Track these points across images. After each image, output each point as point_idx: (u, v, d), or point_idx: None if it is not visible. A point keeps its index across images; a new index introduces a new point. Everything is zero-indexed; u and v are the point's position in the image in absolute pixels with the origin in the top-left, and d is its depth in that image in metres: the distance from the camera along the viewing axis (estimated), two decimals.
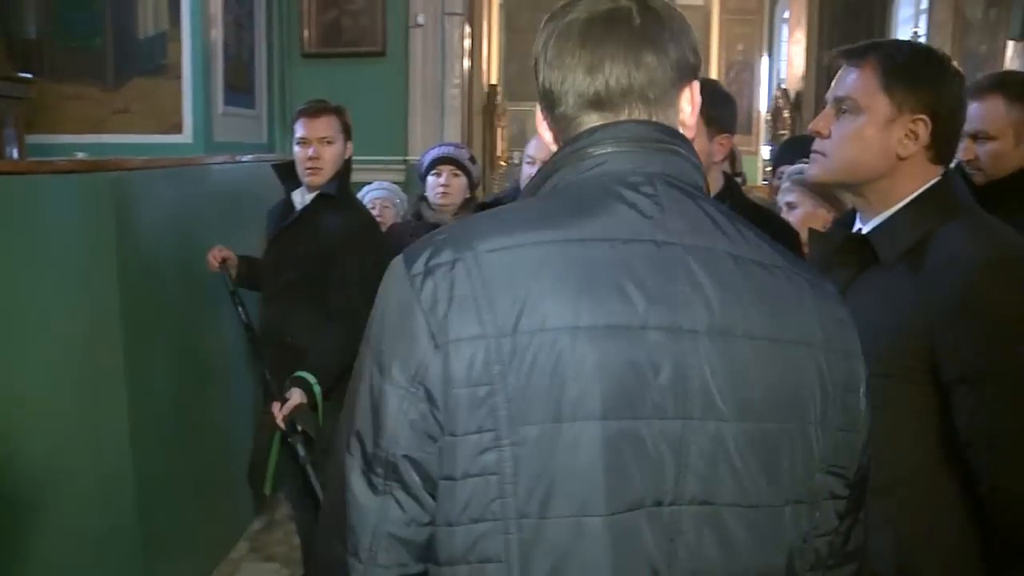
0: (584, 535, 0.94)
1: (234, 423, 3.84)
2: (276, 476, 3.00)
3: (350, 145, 3.06)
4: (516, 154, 15.22)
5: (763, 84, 14.50)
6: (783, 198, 2.75)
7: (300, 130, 2.96)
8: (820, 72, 10.08)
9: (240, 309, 2.98)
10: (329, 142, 2.94)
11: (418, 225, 3.41)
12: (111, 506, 2.96)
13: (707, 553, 0.97)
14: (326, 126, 2.95)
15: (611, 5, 1.07)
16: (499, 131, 12.00)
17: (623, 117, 1.07)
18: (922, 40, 11.38)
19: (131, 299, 2.92)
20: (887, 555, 1.53)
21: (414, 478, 0.97)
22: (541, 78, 1.10)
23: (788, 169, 2.85)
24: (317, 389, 2.77)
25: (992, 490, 1.47)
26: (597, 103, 1.07)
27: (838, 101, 1.63)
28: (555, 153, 1.09)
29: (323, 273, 2.89)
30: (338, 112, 3.01)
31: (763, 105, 14.42)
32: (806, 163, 1.89)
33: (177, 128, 4.64)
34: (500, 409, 0.93)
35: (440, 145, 3.58)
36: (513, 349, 0.93)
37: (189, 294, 3.46)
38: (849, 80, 1.62)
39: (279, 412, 2.76)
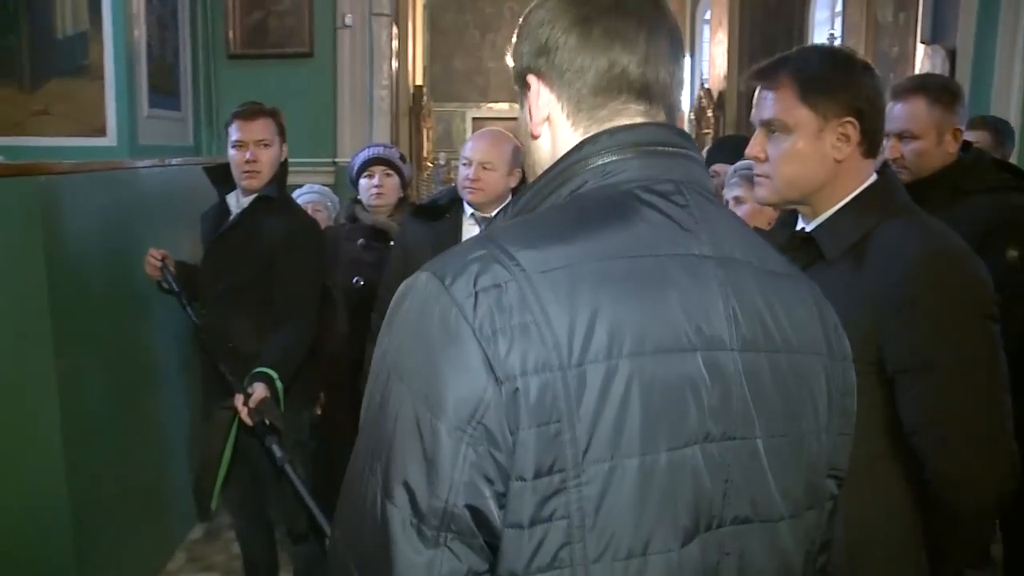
0: (649, 570, 0.91)
1: (170, 429, 3.78)
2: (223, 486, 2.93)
3: (285, 147, 3.03)
4: (442, 155, 15.22)
5: (686, 84, 14.73)
6: (729, 193, 2.81)
7: (235, 133, 2.92)
8: (742, 72, 10.31)
9: (188, 310, 2.90)
10: (266, 145, 2.91)
11: (353, 228, 3.42)
12: (43, 518, 2.90)
13: (747, 571, 0.97)
14: (262, 129, 2.92)
15: None
16: (425, 132, 12.00)
17: (656, 115, 1.03)
18: (838, 42, 11.75)
19: (61, 305, 2.86)
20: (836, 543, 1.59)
21: (473, 528, 0.88)
22: (563, 52, 1.02)
23: (736, 164, 2.92)
24: (280, 384, 2.72)
25: (936, 475, 1.54)
26: (644, 93, 1.02)
27: (765, 124, 1.69)
28: (570, 156, 1.01)
29: (266, 276, 2.87)
30: (273, 114, 2.98)
31: (686, 105, 14.67)
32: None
33: (100, 131, 4.52)
34: (568, 447, 0.87)
35: (369, 147, 3.57)
36: (580, 381, 0.87)
37: (121, 300, 3.40)
38: (769, 102, 1.67)
39: (244, 405, 2.67)
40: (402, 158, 3.48)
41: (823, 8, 11.92)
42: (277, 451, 2.54)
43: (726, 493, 0.95)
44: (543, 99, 1.05)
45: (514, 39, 1.10)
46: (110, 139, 4.52)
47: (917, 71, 6.13)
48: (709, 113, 11.26)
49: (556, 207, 0.99)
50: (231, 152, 2.93)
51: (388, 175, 3.37)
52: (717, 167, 3.48)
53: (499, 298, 0.88)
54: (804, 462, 1.01)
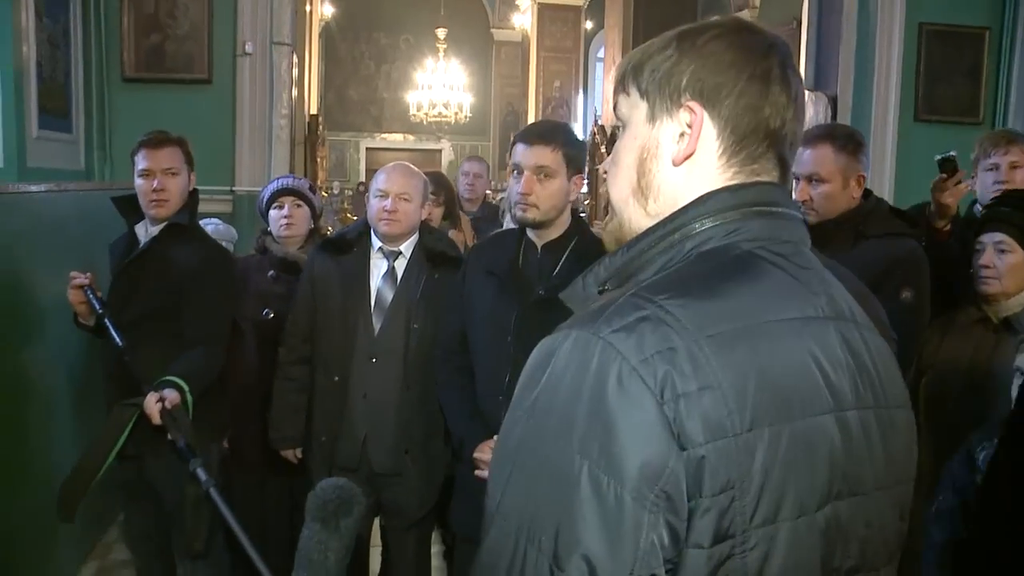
0: None
1: (59, 461, 3.61)
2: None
3: (194, 176, 3.00)
4: (336, 184, 15.10)
5: (579, 120, 15.06)
6: None
7: (142, 162, 2.87)
8: None
9: (113, 331, 2.76)
10: (174, 173, 2.88)
11: (263, 259, 3.37)
12: None
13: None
14: (170, 157, 2.88)
15: (769, 37, 1.06)
16: (319, 161, 11.87)
17: (782, 172, 1.06)
18: None
19: None
20: None
21: None
22: (733, 99, 1.01)
23: None
24: (190, 398, 2.67)
25: None
26: (781, 148, 1.05)
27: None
28: (688, 211, 1.02)
29: (175, 305, 2.82)
30: (180, 143, 2.95)
31: None
32: None
33: None
34: (738, 514, 0.88)
35: (279, 178, 3.54)
36: (750, 446, 0.88)
37: (13, 328, 3.26)
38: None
39: (156, 403, 2.59)
40: (312, 189, 3.46)
41: None
42: (202, 474, 2.49)
43: (846, 549, 0.99)
44: (705, 133, 1.03)
45: (664, 53, 1.06)
46: None
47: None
48: (603, 149, 11.53)
49: (689, 264, 0.99)
50: (138, 181, 2.88)
51: (298, 206, 3.34)
52: None
53: (674, 361, 0.87)
54: (898, 512, 1.07)
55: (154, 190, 2.84)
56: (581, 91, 15.15)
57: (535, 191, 2.44)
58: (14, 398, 3.26)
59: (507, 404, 2.45)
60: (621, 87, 1.11)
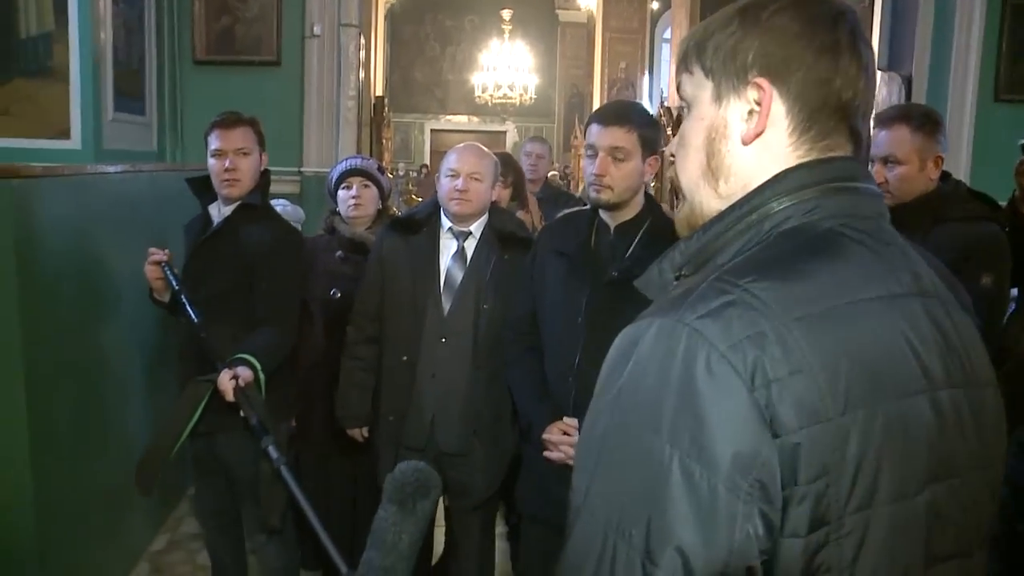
0: None
1: (136, 437, 3.71)
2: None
3: (266, 156, 3.02)
4: (401, 165, 15.19)
5: (644, 102, 14.90)
6: None
7: (215, 142, 2.90)
8: None
9: (190, 308, 2.79)
10: (245, 153, 2.91)
11: (331, 239, 3.40)
12: (6, 527, 2.83)
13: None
14: (242, 137, 2.91)
15: (836, 5, 1.02)
16: (385, 143, 11.95)
17: (856, 144, 1.03)
18: None
19: (30, 310, 2.80)
20: None
21: None
22: (804, 72, 0.98)
23: None
24: (262, 376, 2.70)
25: None
26: (855, 120, 1.02)
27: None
28: (764, 190, 0.99)
29: (247, 284, 2.86)
30: (252, 123, 2.98)
31: None
32: None
33: (65, 133, 4.44)
34: (833, 500, 0.86)
35: (348, 158, 3.56)
36: (843, 430, 0.86)
37: (90, 307, 3.34)
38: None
39: (230, 380, 2.63)
40: (380, 170, 3.47)
41: None
42: (273, 452, 2.51)
43: (944, 534, 0.96)
44: (774, 110, 1.00)
45: (727, 30, 1.02)
46: (74, 142, 4.44)
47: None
48: (668, 131, 11.39)
49: (770, 245, 0.96)
50: (211, 161, 2.92)
51: (366, 186, 3.36)
52: None
53: (764, 345, 0.85)
54: (990, 494, 1.03)
55: (226, 170, 2.87)
56: (647, 72, 14.98)
57: (610, 172, 2.41)
58: (90, 373, 3.35)
59: (577, 386, 2.46)
60: (684, 66, 1.08)
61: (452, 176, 2.86)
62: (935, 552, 0.95)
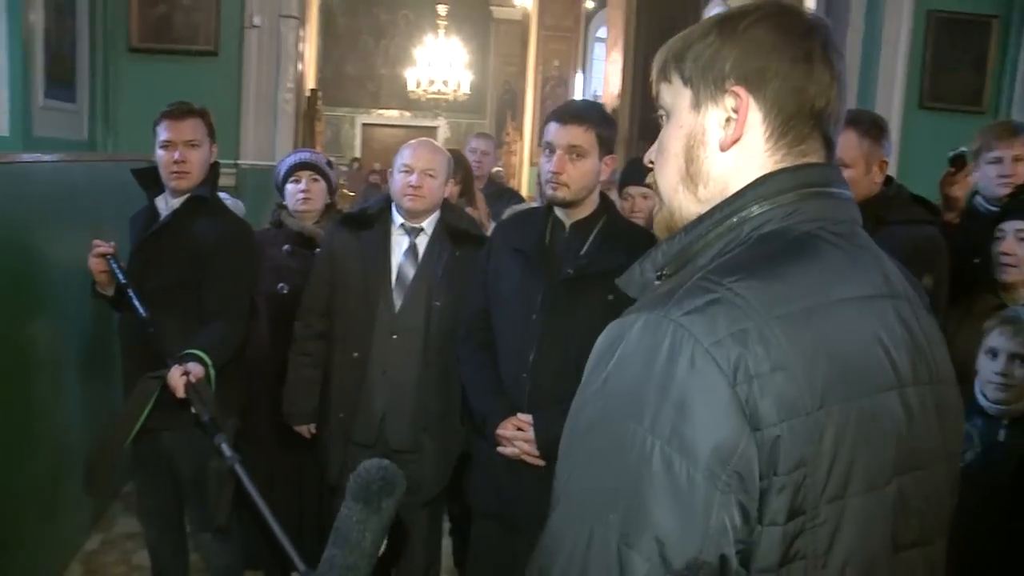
0: None
1: (69, 433, 3.61)
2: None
3: (215, 148, 2.97)
4: (332, 159, 15.00)
5: (577, 99, 15.02)
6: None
7: (164, 133, 2.84)
8: (635, 90, 10.60)
9: (136, 302, 2.73)
10: (195, 145, 2.85)
11: (278, 233, 3.36)
12: None
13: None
14: (192, 129, 2.85)
15: (809, 18, 1.06)
16: (317, 136, 11.82)
17: (829, 151, 1.07)
18: None
19: None
20: None
21: None
22: (779, 82, 1.02)
23: None
24: (213, 371, 2.66)
25: None
26: (826, 128, 1.05)
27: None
28: (745, 193, 1.03)
29: (196, 278, 2.81)
30: (203, 115, 2.93)
31: None
32: None
33: None
34: (810, 491, 0.90)
35: (296, 152, 3.53)
36: (819, 424, 0.90)
37: (22, 300, 3.24)
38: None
39: (180, 376, 2.58)
40: (329, 164, 3.44)
41: None
42: (226, 450, 2.48)
43: (908, 523, 1.01)
44: (751, 118, 1.04)
45: (705, 40, 1.06)
46: (2, 129, 4.30)
47: None
48: None
49: (751, 246, 1.00)
50: (159, 152, 2.86)
51: (315, 180, 3.33)
52: (631, 189, 3.50)
53: (746, 342, 0.89)
54: (950, 486, 1.09)
55: (175, 162, 2.81)
56: (580, 71, 15.10)
57: (567, 170, 2.44)
58: (22, 367, 3.25)
59: (531, 382, 2.48)
60: (662, 75, 1.11)
61: (406, 172, 2.86)
62: (901, 540, 1.00)
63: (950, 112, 6.06)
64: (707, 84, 1.05)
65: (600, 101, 11.88)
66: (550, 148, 2.48)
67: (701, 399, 0.87)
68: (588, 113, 2.51)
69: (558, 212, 2.56)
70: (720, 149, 1.06)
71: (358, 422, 2.90)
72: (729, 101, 1.04)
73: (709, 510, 0.86)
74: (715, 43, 1.05)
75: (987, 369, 2.34)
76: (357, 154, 16.58)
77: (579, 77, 15.07)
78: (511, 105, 16.40)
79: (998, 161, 3.08)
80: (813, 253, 0.99)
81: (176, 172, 2.82)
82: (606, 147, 2.48)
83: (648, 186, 2.86)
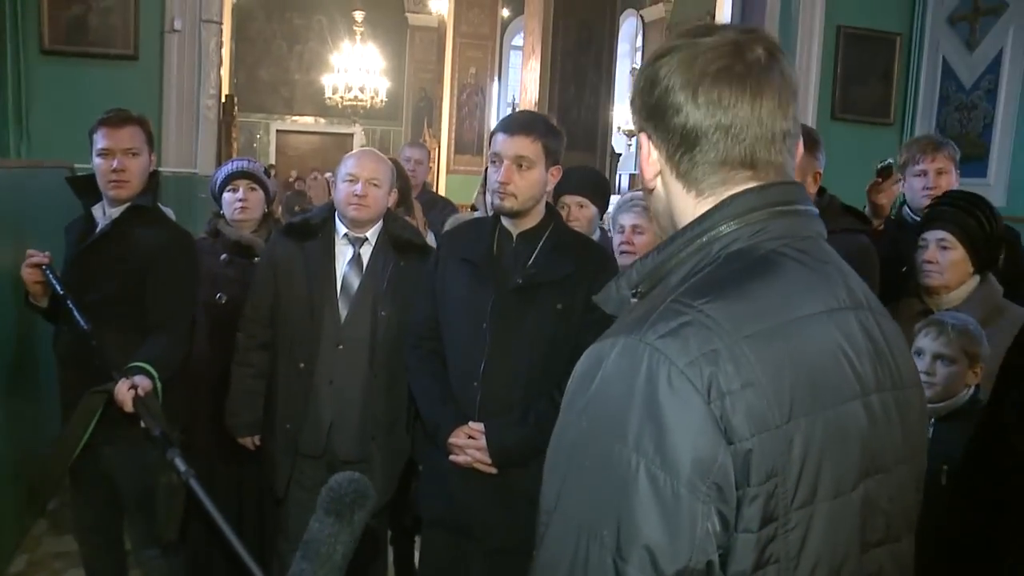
0: None
1: None
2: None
3: (154, 156, 2.92)
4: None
5: (493, 108, 15.09)
6: (627, 220, 2.92)
7: (102, 141, 2.77)
8: (552, 98, 10.73)
9: (76, 313, 2.65)
10: (135, 154, 2.79)
11: (215, 243, 3.30)
12: None
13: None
14: (131, 137, 2.79)
15: (757, 45, 1.08)
16: (233, 143, 11.60)
17: (766, 175, 1.09)
18: None
19: None
20: None
21: None
22: (683, 115, 1.06)
23: (630, 194, 3.08)
24: (159, 384, 2.61)
25: None
26: (751, 154, 1.08)
27: None
28: (711, 215, 1.07)
29: (137, 289, 2.75)
30: (142, 122, 2.86)
31: (493, 127, 15.00)
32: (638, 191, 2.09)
33: None
34: (781, 499, 0.96)
35: (233, 160, 3.47)
36: (788, 436, 0.96)
37: None
38: None
39: (128, 390, 2.53)
40: (266, 172, 3.40)
41: (625, 42, 12.64)
42: (180, 464, 2.43)
43: (875, 523, 1.07)
44: (653, 156, 1.11)
45: (661, 71, 1.09)
46: None
47: None
48: None
49: (719, 266, 1.05)
50: (97, 161, 2.79)
51: (253, 189, 3.29)
52: (567, 199, 3.52)
53: (718, 361, 0.94)
54: (915, 484, 1.15)
55: (115, 171, 2.75)
56: (496, 78, 15.18)
57: (514, 180, 2.48)
58: None
59: (482, 390, 2.49)
60: (632, 105, 1.17)
61: (351, 181, 2.85)
62: (868, 539, 1.07)
63: (860, 123, 6.33)
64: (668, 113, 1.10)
65: (545, 115, 11.97)
66: (497, 158, 2.50)
67: (680, 417, 0.93)
68: (535, 124, 2.55)
69: (505, 222, 2.59)
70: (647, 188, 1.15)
71: (305, 433, 2.87)
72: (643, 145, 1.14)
73: (695, 520, 0.92)
74: (671, 75, 1.09)
75: None
76: (272, 160, 16.31)
77: (495, 85, 15.14)
78: (427, 112, 16.37)
79: (923, 174, 3.24)
80: (778, 271, 1.04)
81: (115, 181, 2.76)
82: (552, 158, 2.52)
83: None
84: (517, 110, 10.21)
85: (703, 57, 1.06)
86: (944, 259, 2.76)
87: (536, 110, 10.91)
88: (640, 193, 3.03)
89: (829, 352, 1.03)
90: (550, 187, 2.59)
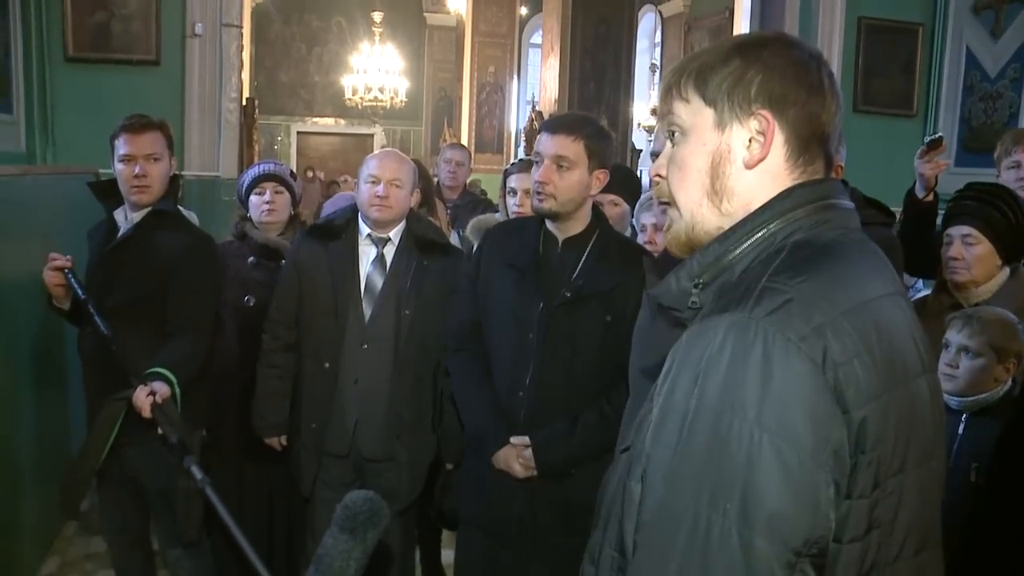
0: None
1: (22, 454, 3.52)
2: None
3: (175, 161, 2.94)
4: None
5: (512, 106, 15.10)
6: (649, 219, 2.89)
7: (123, 147, 2.80)
8: (572, 96, 10.71)
9: (97, 318, 2.68)
10: (156, 159, 2.82)
11: (242, 245, 3.32)
12: None
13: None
14: (152, 142, 2.82)
15: (812, 50, 1.16)
16: (254, 146, 11.69)
17: (828, 168, 1.17)
18: (658, 72, 12.37)
19: None
20: None
21: (825, 549, 0.99)
22: (797, 108, 1.11)
23: (650, 191, 3.07)
24: (178, 389, 2.63)
25: None
26: (828, 147, 1.15)
27: None
28: (774, 204, 1.11)
29: (160, 292, 2.78)
30: (162, 127, 2.89)
31: (513, 125, 15.02)
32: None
33: None
34: (885, 464, 1.01)
35: (260, 163, 3.48)
36: (888, 406, 1.01)
37: None
38: None
39: (146, 397, 2.55)
40: (292, 175, 3.42)
41: (643, 38, 12.61)
42: (197, 472, 2.44)
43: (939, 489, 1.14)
44: (775, 139, 1.12)
45: (729, 65, 1.13)
46: None
47: None
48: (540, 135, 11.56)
49: (790, 253, 1.07)
50: (118, 166, 2.82)
51: (279, 192, 3.30)
52: (598, 196, 3.47)
53: (826, 335, 0.98)
54: (944, 463, 1.18)
55: (136, 176, 2.78)
56: (515, 77, 15.18)
57: (553, 180, 2.41)
58: None
59: (527, 402, 2.47)
60: (677, 93, 1.18)
61: (373, 182, 2.86)
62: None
63: (883, 115, 6.27)
64: (732, 106, 1.13)
65: (537, 108, 11.97)
66: (539, 158, 2.45)
67: (800, 390, 0.96)
68: (578, 124, 2.49)
69: (550, 226, 2.52)
70: (745, 167, 1.14)
71: (330, 432, 2.89)
72: (754, 123, 1.12)
73: (817, 489, 0.96)
74: (739, 68, 1.13)
75: (941, 361, 2.44)
76: (293, 163, 16.42)
77: (515, 83, 15.14)
78: (447, 112, 16.40)
79: (1017, 165, 3.19)
80: (846, 257, 1.09)
81: (137, 186, 2.79)
82: (597, 160, 2.45)
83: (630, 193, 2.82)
84: (563, 111, 10.16)
85: (801, 55, 1.15)
86: (970, 255, 2.72)
87: (556, 108, 10.91)
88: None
89: (902, 331, 1.09)
90: (595, 191, 2.51)
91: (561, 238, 2.52)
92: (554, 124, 2.52)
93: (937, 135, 3.18)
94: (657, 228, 2.86)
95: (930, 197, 3.13)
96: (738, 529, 0.95)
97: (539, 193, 2.44)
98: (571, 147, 2.43)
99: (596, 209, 2.61)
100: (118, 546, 3.06)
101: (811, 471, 0.95)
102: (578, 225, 2.52)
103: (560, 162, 2.42)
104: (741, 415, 0.96)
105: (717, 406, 0.98)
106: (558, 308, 2.44)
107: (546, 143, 2.45)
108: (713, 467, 0.97)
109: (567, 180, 2.43)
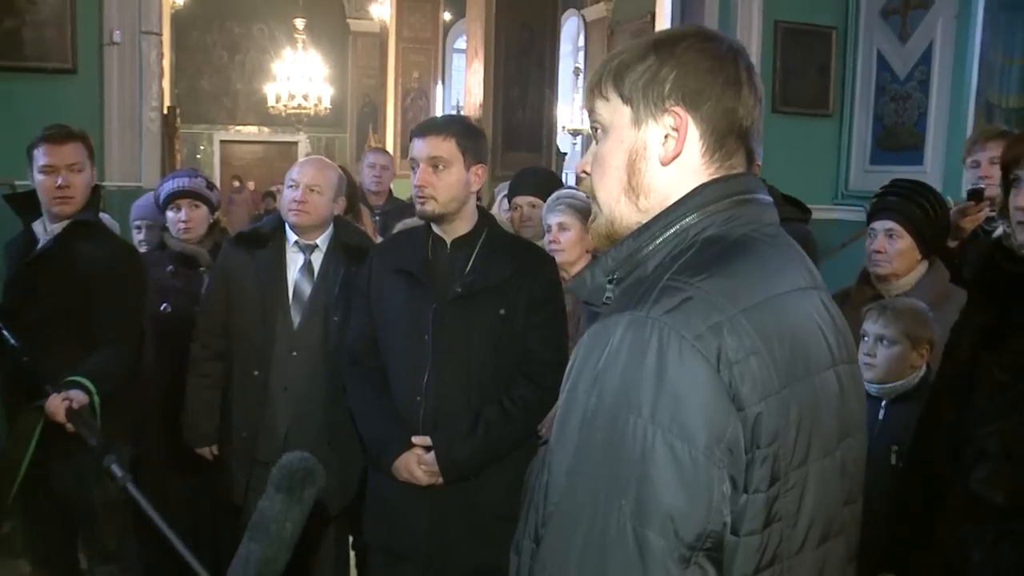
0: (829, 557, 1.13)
1: None
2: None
3: (95, 171, 2.90)
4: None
5: (437, 111, 15.07)
6: (553, 219, 2.96)
7: (43, 158, 2.76)
8: (496, 100, 10.75)
9: (5, 332, 2.65)
10: (78, 170, 2.78)
11: (161, 254, 3.29)
12: None
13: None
14: (74, 152, 2.78)
15: (731, 43, 1.17)
16: (176, 155, 11.49)
17: (748, 163, 1.18)
18: (581, 76, 12.50)
19: None
20: None
21: (719, 543, 1.01)
22: (713, 102, 1.12)
23: (559, 192, 3.11)
24: (97, 399, 2.59)
25: None
26: (748, 141, 1.17)
27: None
28: (686, 202, 1.12)
29: (82, 304, 2.74)
30: (83, 138, 2.86)
31: None
32: (573, 188, 2.11)
33: None
34: (782, 460, 1.03)
35: (174, 177, 3.39)
36: (786, 402, 1.03)
37: None
38: None
39: (61, 405, 2.50)
40: (209, 186, 3.38)
41: (567, 42, 12.74)
42: (117, 470, 2.38)
43: (847, 481, 1.17)
44: (690, 135, 1.14)
45: (645, 62, 1.15)
46: None
47: None
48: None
49: (699, 249, 1.10)
50: (39, 177, 2.77)
51: (195, 207, 3.26)
52: (518, 199, 3.52)
53: (722, 333, 1.00)
54: (865, 452, 1.23)
55: (59, 187, 2.73)
56: (440, 82, 15.17)
57: (431, 183, 2.44)
58: None
59: (426, 403, 2.46)
60: (599, 92, 1.20)
61: (292, 187, 2.88)
62: (845, 498, 1.16)
63: (800, 115, 6.45)
64: (647, 103, 1.15)
65: (463, 112, 11.98)
66: (415, 163, 2.48)
67: (693, 388, 0.98)
68: (447, 124, 2.54)
69: (436, 230, 2.54)
70: (661, 163, 1.16)
71: (261, 441, 2.87)
72: (668, 120, 1.14)
73: (711, 485, 0.98)
74: (654, 65, 1.14)
75: (860, 351, 2.53)
76: (217, 172, 16.13)
77: (439, 88, 15.13)
78: (372, 118, 16.28)
79: (976, 165, 3.28)
80: (755, 253, 1.11)
81: (60, 197, 2.75)
82: (472, 156, 2.48)
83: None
84: (488, 116, 10.21)
85: (719, 49, 1.16)
86: (892, 248, 2.82)
87: (481, 112, 10.95)
88: (566, 192, 3.07)
89: (809, 325, 1.12)
90: (475, 187, 2.55)
91: (449, 240, 2.53)
92: (424, 128, 2.55)
93: (979, 185, 3.16)
94: (562, 227, 2.92)
95: (956, 246, 3.15)
96: (633, 525, 0.98)
97: (420, 197, 2.46)
98: (443, 146, 2.45)
99: (482, 209, 2.65)
100: (43, 568, 2.98)
101: (704, 467, 0.98)
102: (464, 225, 2.53)
103: (435, 163, 2.45)
104: (636, 413, 0.98)
105: (614, 403, 1.00)
106: (451, 305, 2.45)
107: (419, 147, 2.47)
108: (610, 463, 1.00)
109: (445, 180, 2.45)
